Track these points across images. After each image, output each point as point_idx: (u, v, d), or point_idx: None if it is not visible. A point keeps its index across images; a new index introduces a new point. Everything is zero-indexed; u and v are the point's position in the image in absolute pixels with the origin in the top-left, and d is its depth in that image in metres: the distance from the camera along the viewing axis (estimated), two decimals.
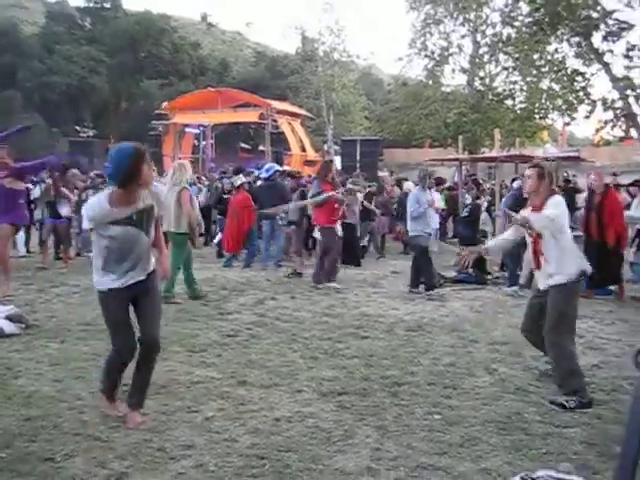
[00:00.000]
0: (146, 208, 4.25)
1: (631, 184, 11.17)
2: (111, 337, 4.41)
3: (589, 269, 5.11)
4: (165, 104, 30.65)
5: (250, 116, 29.15)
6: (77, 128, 47.18)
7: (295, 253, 11.57)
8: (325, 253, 9.91)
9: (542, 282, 5.15)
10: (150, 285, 4.40)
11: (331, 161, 11.38)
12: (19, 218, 9.01)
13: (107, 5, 56.64)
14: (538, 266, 5.16)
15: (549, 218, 4.96)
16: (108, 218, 4.12)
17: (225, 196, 13.09)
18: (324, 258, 9.89)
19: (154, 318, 4.39)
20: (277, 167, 12.81)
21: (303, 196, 11.23)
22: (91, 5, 56.84)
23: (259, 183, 12.63)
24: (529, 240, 5.24)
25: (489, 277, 10.65)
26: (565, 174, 19.88)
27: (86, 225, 4.41)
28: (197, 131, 29.80)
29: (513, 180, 13.05)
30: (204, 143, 29.34)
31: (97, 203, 4.17)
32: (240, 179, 11.86)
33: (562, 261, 4.98)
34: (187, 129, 29.89)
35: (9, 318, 6.71)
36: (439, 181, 14.66)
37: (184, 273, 8.80)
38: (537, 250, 5.11)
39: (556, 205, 5.03)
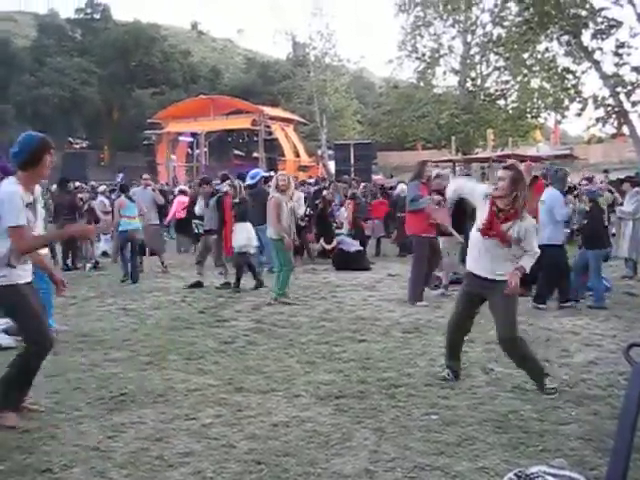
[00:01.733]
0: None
1: (622, 181, 11.20)
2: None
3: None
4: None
5: (243, 123, 29.21)
6: (70, 140, 47.16)
7: (217, 264, 10.99)
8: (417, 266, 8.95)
9: None
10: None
11: (425, 162, 9.88)
12: None
13: (97, 16, 56.78)
14: None
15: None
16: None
17: None
18: (419, 272, 8.98)
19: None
20: (262, 173, 12.81)
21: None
22: (81, 16, 56.95)
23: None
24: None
25: None
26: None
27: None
28: (190, 139, 29.86)
29: None
30: (197, 151, 29.40)
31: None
32: (226, 186, 11.79)
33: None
34: (180, 137, 29.95)
35: (5, 331, 6.70)
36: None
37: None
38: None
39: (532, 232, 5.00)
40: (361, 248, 13.25)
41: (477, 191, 5.25)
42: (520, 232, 4.90)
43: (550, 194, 8.59)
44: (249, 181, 11.95)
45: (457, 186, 5.61)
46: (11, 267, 4.29)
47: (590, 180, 16.00)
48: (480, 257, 5.07)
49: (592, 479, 3.30)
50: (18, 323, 4.62)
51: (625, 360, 2.86)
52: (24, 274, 4.42)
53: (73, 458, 3.89)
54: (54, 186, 15.92)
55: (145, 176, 13.86)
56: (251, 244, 10.17)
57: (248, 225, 10.19)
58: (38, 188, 4.58)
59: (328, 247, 13.53)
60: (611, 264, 11.70)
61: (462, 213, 8.36)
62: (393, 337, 6.93)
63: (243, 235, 10.07)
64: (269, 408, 4.72)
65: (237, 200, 10.30)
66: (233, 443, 4.09)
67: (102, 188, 17.57)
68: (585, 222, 9.05)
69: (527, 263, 4.97)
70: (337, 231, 14.42)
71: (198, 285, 10.43)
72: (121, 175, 24.18)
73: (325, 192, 14.75)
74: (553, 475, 2.82)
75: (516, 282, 4.82)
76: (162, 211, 13.84)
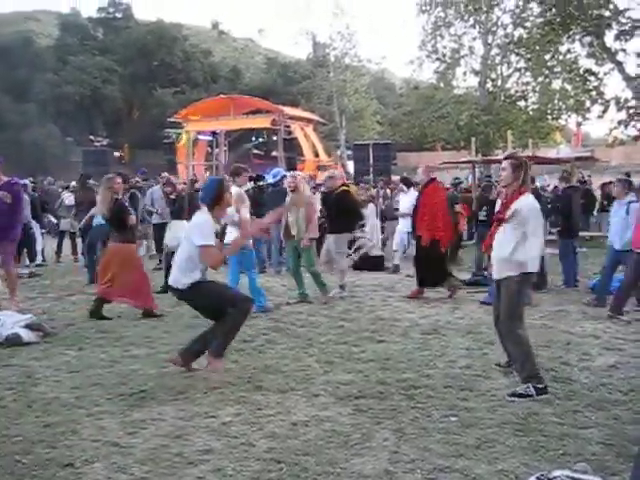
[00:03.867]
0: None
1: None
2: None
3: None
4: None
5: (263, 122, 29.19)
6: (91, 138, 47.56)
7: None
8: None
9: None
10: None
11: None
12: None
13: (119, 15, 57.15)
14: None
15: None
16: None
17: None
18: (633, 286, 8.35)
19: None
20: (284, 172, 12.80)
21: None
22: (103, 16, 57.36)
23: (270, 189, 12.62)
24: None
25: None
26: (580, 174, 19.75)
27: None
28: (210, 138, 29.94)
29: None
30: (217, 150, 29.47)
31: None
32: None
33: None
34: (200, 136, 30.03)
35: (28, 326, 6.80)
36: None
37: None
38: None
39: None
40: (382, 253, 13.22)
41: None
42: (516, 209, 5.11)
43: None
44: (271, 179, 11.95)
45: None
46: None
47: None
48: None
49: None
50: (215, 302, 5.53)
51: None
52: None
53: (94, 453, 3.93)
54: (73, 182, 16.11)
55: (164, 174, 13.95)
56: None
57: (184, 223, 9.52)
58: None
59: (350, 252, 13.35)
60: None
61: None
62: (412, 338, 6.91)
63: (178, 234, 9.32)
64: (288, 407, 4.73)
65: (174, 197, 10.03)
66: (252, 442, 4.10)
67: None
68: None
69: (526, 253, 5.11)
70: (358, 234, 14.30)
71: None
72: (141, 172, 24.24)
73: None
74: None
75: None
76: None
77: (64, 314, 8.26)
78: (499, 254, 5.21)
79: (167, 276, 9.52)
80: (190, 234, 5.61)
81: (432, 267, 9.35)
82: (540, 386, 4.93)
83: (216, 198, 5.61)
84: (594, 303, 8.64)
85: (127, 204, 8.78)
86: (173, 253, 9.60)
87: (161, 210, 12.60)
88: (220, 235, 5.91)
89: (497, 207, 5.50)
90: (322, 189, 12.16)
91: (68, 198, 14.26)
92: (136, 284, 7.99)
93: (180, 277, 5.55)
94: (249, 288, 8.24)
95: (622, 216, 8.53)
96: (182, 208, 9.93)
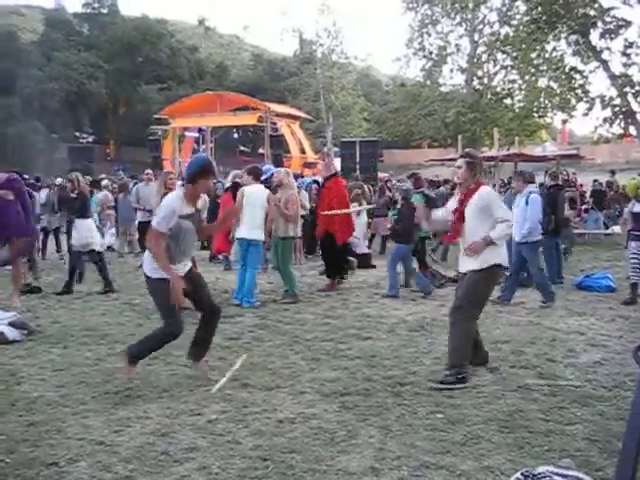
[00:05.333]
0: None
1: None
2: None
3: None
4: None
5: (249, 119, 29.15)
6: (76, 134, 47.27)
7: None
8: None
9: None
10: None
11: None
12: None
13: (104, 11, 56.66)
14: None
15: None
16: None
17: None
18: None
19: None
20: (274, 169, 12.76)
21: None
22: (88, 11, 56.84)
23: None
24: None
25: None
26: (564, 172, 19.88)
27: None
28: (197, 135, 29.86)
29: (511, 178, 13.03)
30: (203, 147, 29.39)
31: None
32: (229, 182, 11.71)
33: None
34: (187, 133, 29.94)
35: (12, 324, 6.73)
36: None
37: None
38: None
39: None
40: (369, 251, 13.23)
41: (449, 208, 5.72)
42: (480, 201, 5.34)
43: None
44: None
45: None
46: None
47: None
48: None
49: None
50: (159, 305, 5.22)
51: (633, 361, 2.84)
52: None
53: (79, 452, 3.90)
54: (59, 179, 15.98)
55: (147, 171, 13.87)
56: (92, 242, 9.55)
57: (89, 221, 9.66)
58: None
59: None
60: (618, 264, 11.70)
61: None
62: (399, 335, 6.93)
63: (82, 233, 9.46)
64: (274, 405, 4.72)
65: (75, 195, 9.76)
66: (238, 439, 4.09)
67: (105, 182, 17.53)
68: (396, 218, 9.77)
69: (495, 232, 5.31)
70: None
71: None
72: (121, 169, 24.09)
73: None
74: (560, 475, 2.82)
75: (476, 247, 5.28)
76: None
77: (49, 312, 8.20)
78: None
79: (71, 277, 9.57)
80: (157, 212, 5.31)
81: (329, 259, 9.61)
82: (460, 376, 5.16)
83: (193, 175, 5.11)
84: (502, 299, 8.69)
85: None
86: (79, 253, 9.63)
87: (149, 207, 12.49)
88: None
89: (452, 204, 5.66)
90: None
91: (41, 195, 14.14)
92: None
93: (147, 263, 5.16)
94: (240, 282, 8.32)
95: (522, 207, 8.71)
96: (85, 206, 9.60)
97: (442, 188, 16.87)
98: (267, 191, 8.80)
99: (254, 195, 8.55)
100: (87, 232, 9.49)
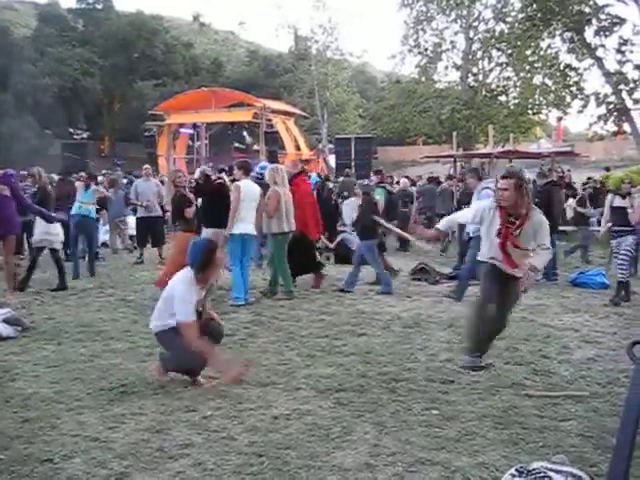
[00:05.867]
0: None
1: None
2: None
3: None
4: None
5: (244, 115, 29.11)
6: (70, 130, 47.04)
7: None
8: None
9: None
10: None
11: None
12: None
13: (99, 6, 56.40)
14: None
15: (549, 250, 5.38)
16: None
17: None
18: None
19: None
20: (270, 166, 12.71)
21: None
22: (83, 6, 56.58)
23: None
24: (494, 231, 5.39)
25: None
26: (559, 169, 19.92)
27: None
28: (191, 131, 29.81)
29: None
30: (198, 143, 29.35)
31: None
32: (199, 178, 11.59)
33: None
34: (181, 129, 29.88)
35: (6, 321, 6.71)
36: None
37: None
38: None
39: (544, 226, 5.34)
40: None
41: (480, 210, 5.55)
42: (532, 228, 5.27)
43: None
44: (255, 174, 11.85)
45: (450, 222, 6.15)
46: None
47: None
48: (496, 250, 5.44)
49: (592, 476, 3.30)
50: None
51: (627, 357, 2.86)
52: None
53: (73, 448, 3.89)
54: (53, 175, 15.91)
55: (146, 166, 13.84)
56: (53, 238, 9.31)
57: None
58: None
59: (331, 245, 13.30)
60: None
61: None
62: (393, 331, 6.94)
63: (41, 229, 9.25)
64: (269, 401, 4.72)
65: (35, 189, 9.64)
66: (233, 435, 4.09)
67: (101, 178, 17.47)
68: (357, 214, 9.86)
69: (539, 260, 5.30)
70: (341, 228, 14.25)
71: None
72: (118, 165, 23.95)
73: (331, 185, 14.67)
74: (555, 471, 2.83)
75: (529, 283, 5.36)
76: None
77: (43, 308, 8.18)
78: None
79: (30, 272, 9.43)
80: (175, 305, 5.03)
81: (300, 256, 9.49)
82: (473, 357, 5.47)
83: (202, 263, 5.09)
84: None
85: None
86: (40, 249, 9.50)
87: (146, 203, 12.51)
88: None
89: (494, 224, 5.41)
90: None
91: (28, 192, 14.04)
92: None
93: (155, 317, 5.25)
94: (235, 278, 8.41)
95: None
96: (45, 201, 9.34)
97: (445, 184, 16.92)
98: (257, 186, 8.82)
99: (252, 189, 8.57)
100: (45, 228, 9.20)
